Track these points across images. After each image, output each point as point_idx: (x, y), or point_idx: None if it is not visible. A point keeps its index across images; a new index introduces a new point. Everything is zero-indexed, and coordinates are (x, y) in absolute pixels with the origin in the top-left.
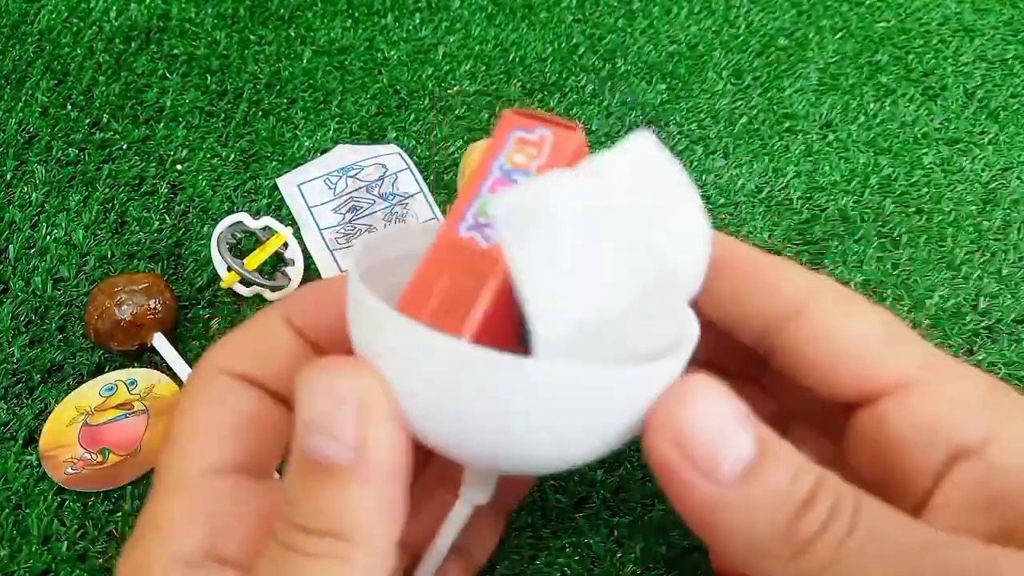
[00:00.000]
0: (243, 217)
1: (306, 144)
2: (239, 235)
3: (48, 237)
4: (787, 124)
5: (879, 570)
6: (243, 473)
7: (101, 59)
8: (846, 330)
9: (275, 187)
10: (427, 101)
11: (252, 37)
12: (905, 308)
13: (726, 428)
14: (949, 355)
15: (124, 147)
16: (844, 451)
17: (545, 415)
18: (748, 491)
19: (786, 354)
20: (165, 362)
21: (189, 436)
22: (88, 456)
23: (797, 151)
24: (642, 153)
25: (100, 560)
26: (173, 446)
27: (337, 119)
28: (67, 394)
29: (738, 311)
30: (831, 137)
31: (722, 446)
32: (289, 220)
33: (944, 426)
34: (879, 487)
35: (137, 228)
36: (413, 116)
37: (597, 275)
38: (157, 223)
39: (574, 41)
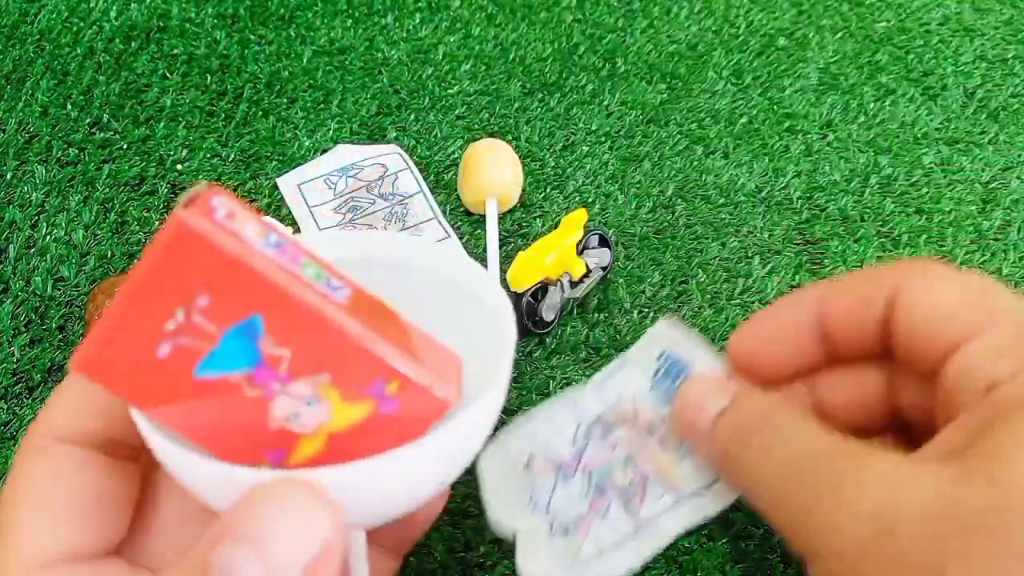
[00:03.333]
0: None
1: (306, 144)
2: None
3: (48, 237)
4: (787, 124)
5: (772, 461)
6: (84, 560)
7: (101, 59)
8: (937, 295)
9: (275, 187)
10: (427, 101)
11: (252, 37)
12: None
13: (707, 389)
14: (1013, 300)
15: (124, 147)
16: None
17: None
18: (715, 427)
19: (891, 339)
20: None
21: (19, 523)
22: None
23: (797, 151)
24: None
25: None
26: (1, 534)
27: (337, 119)
28: None
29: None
30: (831, 137)
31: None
32: (289, 220)
33: (977, 371)
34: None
35: (137, 228)
36: (413, 116)
37: None
38: (157, 223)
39: (574, 41)
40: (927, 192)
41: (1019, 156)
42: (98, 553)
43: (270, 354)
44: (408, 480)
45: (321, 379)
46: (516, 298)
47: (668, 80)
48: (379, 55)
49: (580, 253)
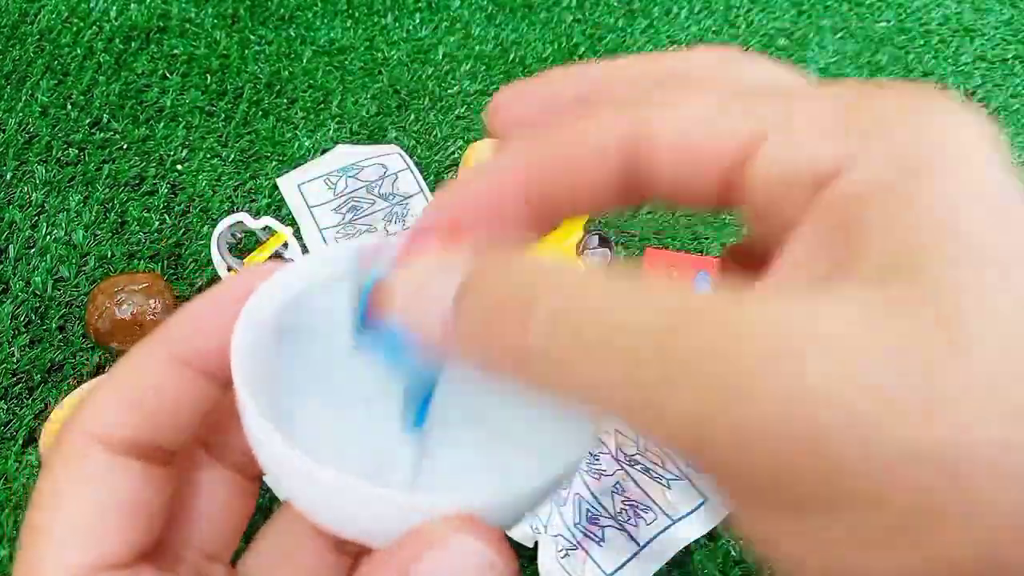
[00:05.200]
0: (243, 217)
1: (306, 144)
2: (239, 235)
3: (48, 237)
4: None
5: (594, 348)
6: (117, 568)
7: (101, 59)
8: (677, 119)
9: (275, 187)
10: (427, 101)
11: (252, 37)
12: None
13: (430, 269)
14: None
15: (124, 147)
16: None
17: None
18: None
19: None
20: None
21: (53, 531)
22: None
23: None
24: None
25: None
26: (34, 540)
27: (337, 119)
28: (67, 394)
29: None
30: None
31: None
32: (289, 220)
33: (799, 164)
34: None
35: (137, 228)
36: (413, 116)
37: None
38: (157, 223)
39: (574, 41)
40: None
41: (1019, 156)
42: (130, 560)
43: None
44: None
45: None
46: None
47: None
48: (379, 55)
49: (580, 253)
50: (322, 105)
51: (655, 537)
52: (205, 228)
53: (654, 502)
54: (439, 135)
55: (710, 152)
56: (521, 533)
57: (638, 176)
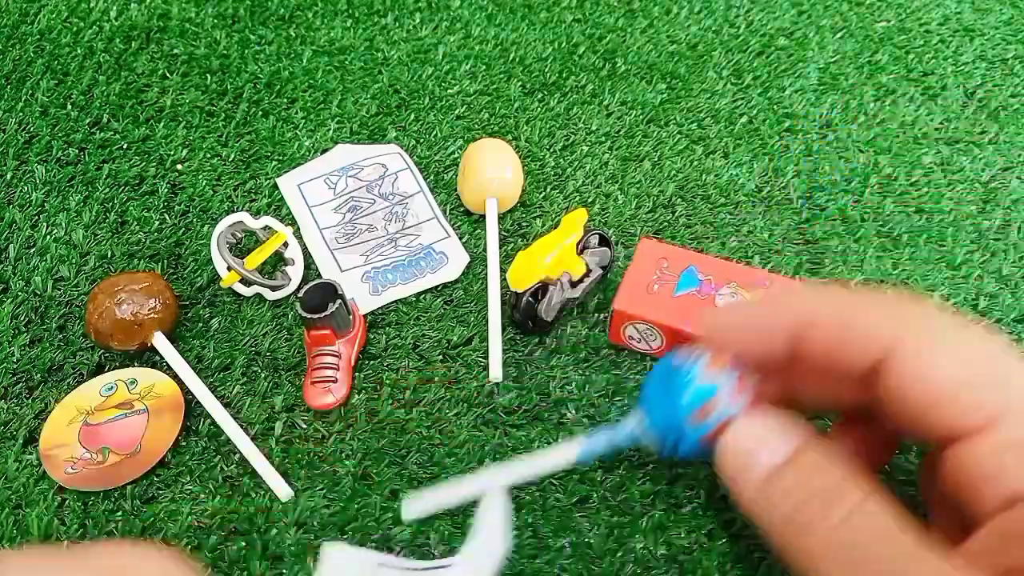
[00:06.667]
0: (243, 217)
1: (306, 144)
2: (239, 235)
3: (48, 237)
4: (787, 124)
5: (859, 561)
6: None
7: (101, 59)
8: (935, 372)
9: (275, 187)
10: (427, 101)
11: (252, 37)
12: None
13: (763, 436)
14: None
15: (124, 147)
16: (937, 478)
17: None
18: (772, 485)
19: (882, 402)
20: (165, 361)
21: None
22: (88, 455)
23: (797, 151)
24: None
25: None
26: None
27: (337, 119)
28: (67, 394)
29: (833, 363)
30: (831, 137)
31: (759, 450)
32: (289, 220)
33: (994, 474)
34: (957, 513)
35: (137, 228)
36: (413, 116)
37: None
38: (157, 223)
39: (574, 41)
40: (927, 192)
41: (1019, 156)
42: None
43: (707, 279)
44: None
45: (733, 285)
46: (516, 298)
47: (668, 80)
48: (379, 55)
49: (580, 253)
50: (322, 105)
51: None
52: (205, 228)
53: None
54: (439, 135)
55: (948, 412)
56: None
57: (871, 380)
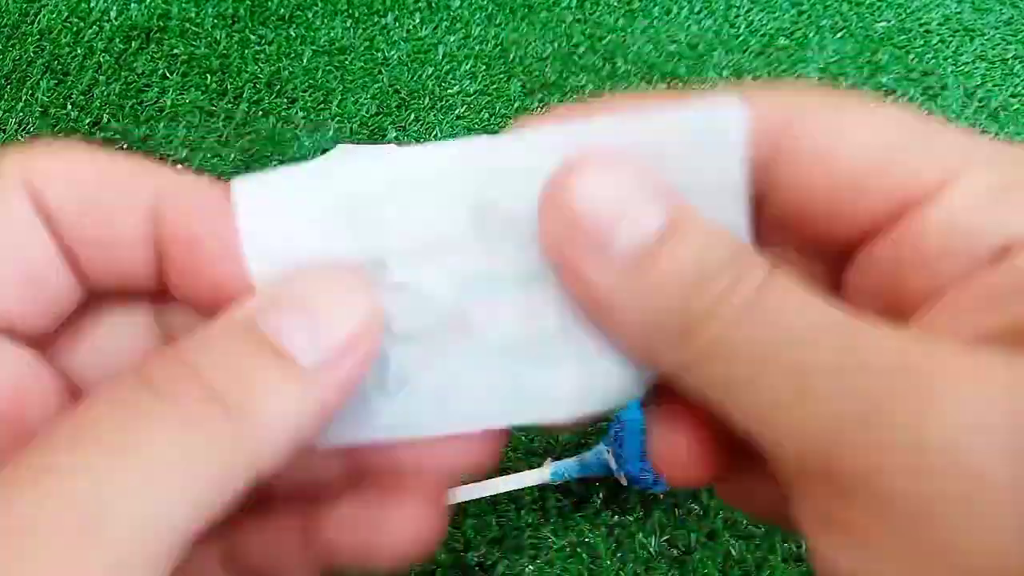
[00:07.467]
0: None
1: (306, 144)
2: None
3: None
4: None
5: (773, 353)
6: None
7: (101, 59)
8: (854, 142)
9: None
10: (427, 101)
11: (252, 37)
12: None
13: (625, 199)
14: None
15: (124, 147)
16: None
17: None
18: (645, 272)
19: (779, 195)
20: None
21: None
22: None
23: None
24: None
25: None
26: None
27: (337, 119)
28: None
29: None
30: None
31: (618, 221)
32: None
33: (974, 226)
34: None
35: None
36: (413, 116)
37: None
38: None
39: (574, 41)
40: None
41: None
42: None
43: None
44: None
45: None
46: None
47: (668, 80)
48: (379, 55)
49: None
50: (322, 105)
51: None
52: None
53: None
54: (439, 135)
55: (893, 178)
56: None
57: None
